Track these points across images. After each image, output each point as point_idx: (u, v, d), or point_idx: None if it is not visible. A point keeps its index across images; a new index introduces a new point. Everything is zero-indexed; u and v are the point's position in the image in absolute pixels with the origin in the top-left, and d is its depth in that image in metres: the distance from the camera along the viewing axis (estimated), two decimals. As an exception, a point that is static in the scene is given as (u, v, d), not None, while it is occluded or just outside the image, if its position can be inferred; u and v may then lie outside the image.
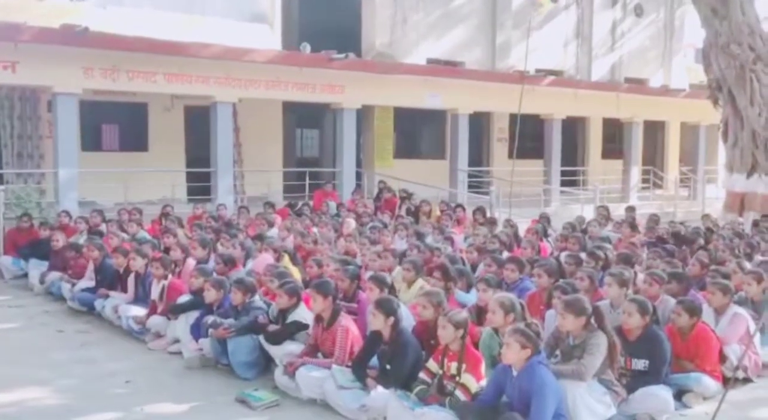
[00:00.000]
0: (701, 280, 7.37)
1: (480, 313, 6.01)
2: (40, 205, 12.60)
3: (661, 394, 5.22)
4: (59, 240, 9.91)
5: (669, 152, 24.23)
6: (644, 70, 23.70)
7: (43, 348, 7.09)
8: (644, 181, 21.67)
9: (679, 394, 5.48)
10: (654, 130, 23.69)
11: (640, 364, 5.35)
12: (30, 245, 10.68)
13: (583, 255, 8.12)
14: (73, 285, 8.83)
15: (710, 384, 5.57)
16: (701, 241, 9.86)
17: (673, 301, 6.09)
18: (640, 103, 20.25)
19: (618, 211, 15.09)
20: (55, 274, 9.51)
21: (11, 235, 11.01)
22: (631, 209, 13.89)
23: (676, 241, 10.08)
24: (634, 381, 5.27)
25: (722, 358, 5.87)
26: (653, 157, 23.63)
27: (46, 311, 8.71)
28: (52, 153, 12.84)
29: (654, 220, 12.19)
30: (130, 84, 12.91)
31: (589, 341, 4.95)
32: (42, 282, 9.63)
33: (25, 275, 10.29)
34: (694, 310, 5.72)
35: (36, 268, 10.12)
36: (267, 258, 8.34)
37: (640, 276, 7.27)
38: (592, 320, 5.07)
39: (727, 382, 5.49)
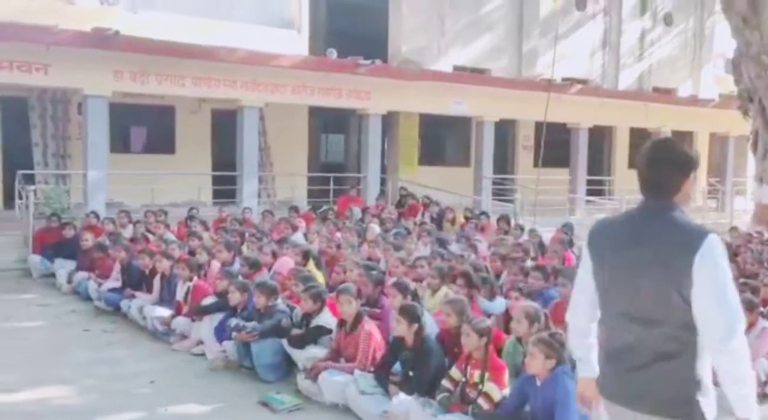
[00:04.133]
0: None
1: (508, 321, 5.97)
2: (68, 206, 12.78)
3: (687, 407, 5.15)
4: (89, 239, 10.05)
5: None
6: (673, 79, 23.48)
7: (68, 347, 7.18)
8: (671, 191, 21.40)
9: (706, 408, 5.39)
10: (682, 140, 23.11)
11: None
12: (55, 245, 10.83)
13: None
14: (100, 285, 8.94)
15: (737, 399, 5.47)
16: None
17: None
18: (668, 113, 20.06)
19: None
20: (82, 274, 9.64)
21: (40, 234, 11.18)
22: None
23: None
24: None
25: (750, 372, 5.77)
26: (681, 167, 23.31)
27: (73, 310, 8.83)
28: (81, 154, 13.01)
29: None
30: (159, 87, 13.05)
31: (614, 352, 4.90)
32: (69, 281, 9.76)
33: (54, 274, 10.43)
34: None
35: (62, 267, 10.26)
36: (288, 261, 8.37)
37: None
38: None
39: (755, 397, 5.39)
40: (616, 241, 2.70)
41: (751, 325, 6.09)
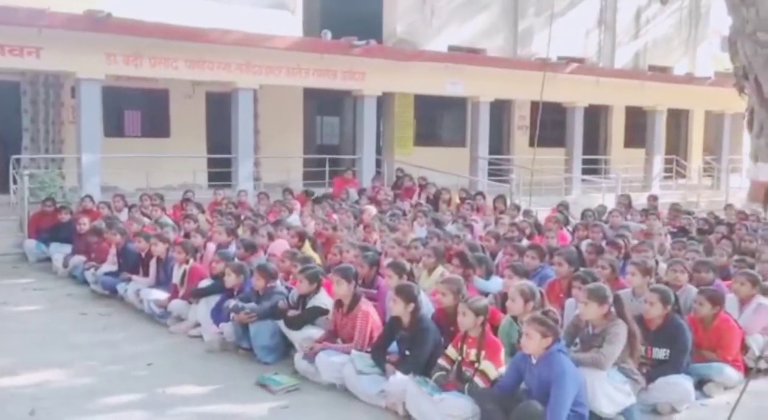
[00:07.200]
0: (725, 270, 7.29)
1: (504, 300, 5.99)
2: (63, 190, 12.74)
3: (682, 383, 5.19)
4: (85, 223, 10.03)
5: (693, 141, 23.91)
6: (668, 57, 23.37)
7: (66, 330, 7.19)
8: (667, 170, 21.42)
9: (700, 384, 5.45)
10: (678, 119, 23.39)
11: (660, 353, 5.32)
12: (51, 229, 10.82)
13: (603, 244, 8.07)
14: (96, 269, 8.94)
15: (732, 374, 5.53)
16: (723, 230, 9.73)
17: (695, 290, 6.03)
18: (664, 91, 19.98)
19: (640, 200, 14.96)
20: (78, 258, 9.63)
21: (35, 219, 11.15)
22: (653, 198, 13.77)
23: (703, 229, 10.00)
24: (655, 370, 5.24)
25: (744, 348, 5.82)
26: (677, 145, 23.33)
27: (70, 294, 8.84)
28: (75, 138, 12.95)
29: (676, 209, 12.08)
30: (152, 70, 12.96)
31: (609, 330, 4.92)
32: (65, 265, 9.76)
33: (49, 258, 10.42)
34: (716, 300, 5.67)
35: (58, 251, 10.26)
36: (283, 243, 8.37)
37: (662, 265, 7.21)
38: (613, 309, 5.04)
39: (748, 372, 5.45)
40: None
41: (747, 300, 6.13)
